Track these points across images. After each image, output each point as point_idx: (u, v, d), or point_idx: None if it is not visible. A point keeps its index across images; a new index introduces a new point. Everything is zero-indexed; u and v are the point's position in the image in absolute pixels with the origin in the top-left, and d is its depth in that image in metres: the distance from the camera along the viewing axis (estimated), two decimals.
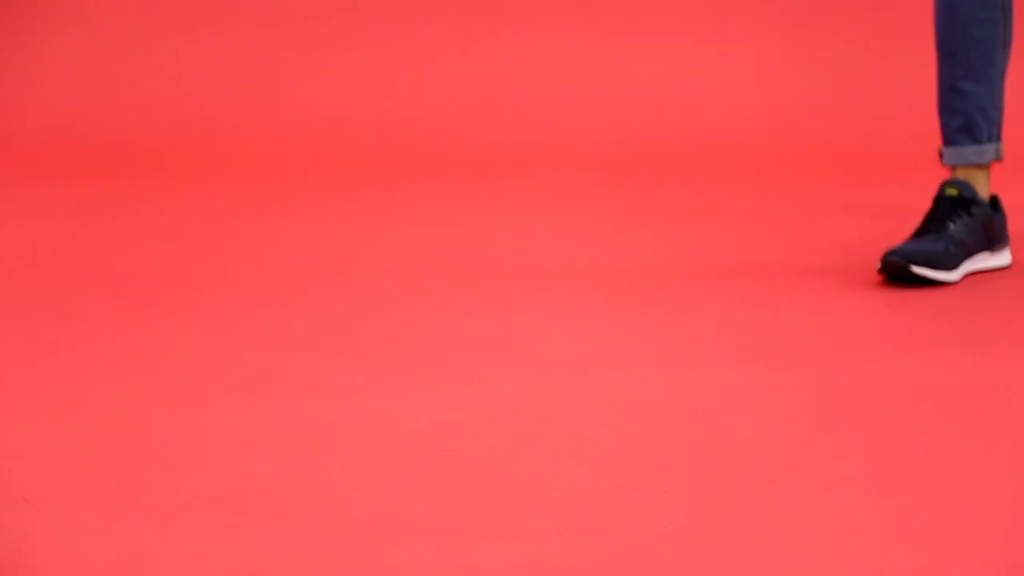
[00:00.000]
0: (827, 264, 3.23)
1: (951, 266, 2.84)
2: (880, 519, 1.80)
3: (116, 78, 4.58)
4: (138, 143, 4.36)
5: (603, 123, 4.51)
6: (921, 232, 2.90)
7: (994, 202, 3.01)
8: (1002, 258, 2.98)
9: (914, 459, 2.01)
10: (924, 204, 3.02)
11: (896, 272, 2.82)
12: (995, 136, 2.98)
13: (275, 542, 1.74)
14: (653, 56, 4.71)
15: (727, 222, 3.64)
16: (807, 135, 4.45)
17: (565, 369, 2.37)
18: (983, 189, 2.98)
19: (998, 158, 3.00)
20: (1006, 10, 2.93)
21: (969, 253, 2.89)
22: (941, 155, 3.00)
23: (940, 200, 2.94)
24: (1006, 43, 2.95)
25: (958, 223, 2.89)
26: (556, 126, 4.55)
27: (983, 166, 2.99)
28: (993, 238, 2.95)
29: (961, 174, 2.98)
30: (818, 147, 4.39)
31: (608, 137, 4.45)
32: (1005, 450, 2.05)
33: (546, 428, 2.13)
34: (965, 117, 2.95)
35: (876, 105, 4.56)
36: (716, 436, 2.10)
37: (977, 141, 2.96)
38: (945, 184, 2.96)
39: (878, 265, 2.85)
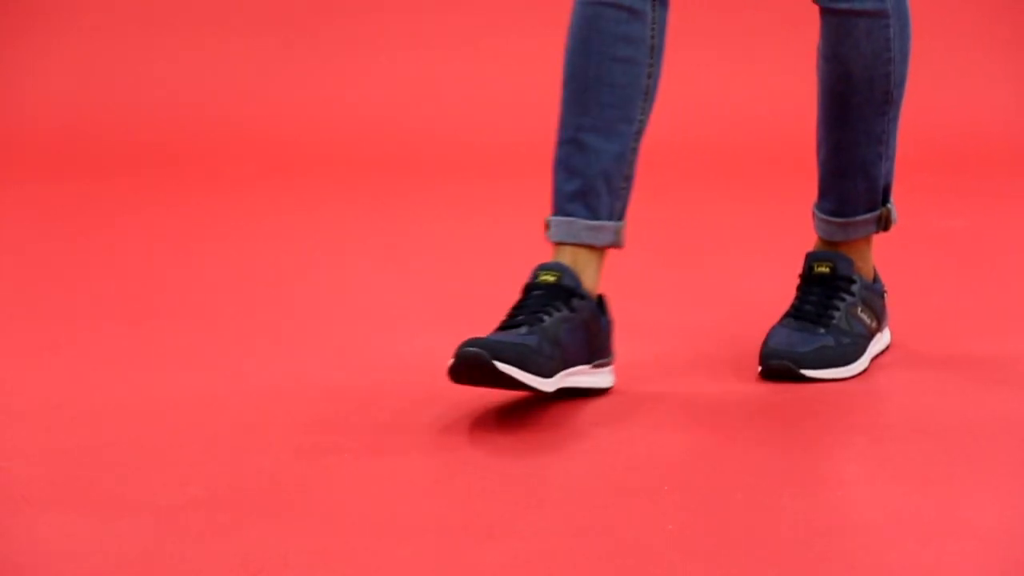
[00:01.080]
0: None
1: (546, 372, 2.09)
2: (880, 519, 1.80)
3: (116, 78, 4.58)
4: (138, 143, 4.36)
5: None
6: (509, 323, 2.14)
7: (601, 302, 2.27)
8: (603, 378, 2.24)
9: (914, 459, 2.01)
10: (924, 204, 3.02)
11: (476, 366, 2.06)
12: (617, 214, 2.25)
13: (275, 542, 1.74)
14: None
15: (727, 222, 3.64)
16: (806, 135, 4.45)
17: None
18: (592, 279, 2.23)
19: (617, 244, 2.26)
20: (655, 52, 2.25)
21: (567, 362, 2.14)
22: (547, 226, 2.25)
23: (532, 287, 2.19)
24: (648, 94, 2.26)
25: (555, 317, 2.14)
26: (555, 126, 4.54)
27: (597, 249, 2.24)
28: (596, 349, 2.22)
29: (568, 255, 2.22)
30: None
31: None
32: (1005, 450, 2.05)
33: (546, 428, 2.12)
34: (584, 181, 2.22)
35: None
36: (716, 436, 2.10)
37: (595, 214, 2.22)
38: (540, 269, 2.20)
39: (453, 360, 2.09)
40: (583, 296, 2.17)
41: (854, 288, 2.39)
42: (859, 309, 2.38)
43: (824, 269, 2.40)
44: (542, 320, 2.12)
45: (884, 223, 2.49)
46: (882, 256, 3.29)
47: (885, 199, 2.51)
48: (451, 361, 2.06)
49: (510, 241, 3.41)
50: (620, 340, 2.53)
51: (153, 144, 4.35)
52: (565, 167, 2.23)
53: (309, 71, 4.58)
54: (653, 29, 2.23)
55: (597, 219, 2.22)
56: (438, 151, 4.31)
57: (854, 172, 2.45)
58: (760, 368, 2.29)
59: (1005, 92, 4.56)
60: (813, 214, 2.49)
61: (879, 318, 2.44)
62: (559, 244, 2.22)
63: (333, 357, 2.50)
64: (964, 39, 4.67)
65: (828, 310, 2.35)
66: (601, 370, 2.23)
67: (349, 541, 1.76)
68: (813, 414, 2.19)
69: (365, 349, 2.54)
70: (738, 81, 4.66)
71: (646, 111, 2.26)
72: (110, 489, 1.89)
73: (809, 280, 2.40)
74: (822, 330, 2.32)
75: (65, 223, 3.66)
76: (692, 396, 2.29)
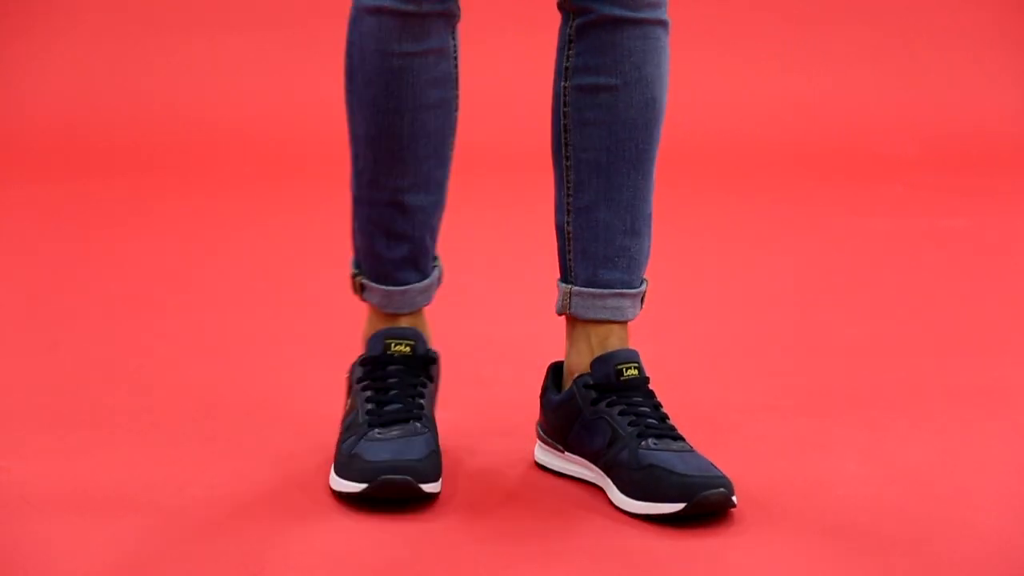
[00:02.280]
0: (827, 263, 3.23)
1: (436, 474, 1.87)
2: (880, 519, 1.80)
3: (116, 78, 4.58)
4: (138, 143, 4.36)
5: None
6: (391, 414, 1.91)
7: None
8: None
9: (914, 459, 2.01)
10: (925, 204, 3.02)
11: (398, 490, 1.83)
12: (436, 265, 2.02)
13: (275, 542, 1.74)
14: None
15: (727, 222, 3.64)
16: (807, 135, 4.45)
17: None
18: (429, 334, 2.03)
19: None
20: (458, 78, 1.97)
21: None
22: (364, 287, 2.01)
23: (386, 360, 1.96)
24: (455, 124, 1.98)
25: (426, 396, 1.96)
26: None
27: (423, 308, 2.03)
28: None
29: (407, 320, 2.00)
30: (818, 146, 4.39)
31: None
32: (1005, 449, 2.06)
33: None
34: (412, 244, 1.97)
35: (877, 105, 4.56)
36: (716, 436, 2.10)
37: (425, 274, 1.99)
38: (388, 337, 1.97)
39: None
40: (435, 359, 1.98)
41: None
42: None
43: (634, 372, 1.94)
44: (421, 406, 1.92)
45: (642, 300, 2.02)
46: (883, 255, 3.30)
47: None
48: (362, 487, 1.82)
49: (510, 239, 3.41)
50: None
51: (153, 144, 4.35)
52: (387, 233, 1.96)
53: (309, 71, 4.58)
54: (455, 58, 1.95)
55: (427, 278, 1.99)
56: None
57: (646, 229, 2.00)
58: (682, 506, 1.79)
59: (1006, 92, 4.56)
60: (570, 295, 1.95)
61: None
62: (396, 315, 1.99)
63: (334, 357, 2.50)
64: (964, 39, 4.67)
65: (668, 419, 1.92)
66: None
67: (349, 540, 1.76)
68: (814, 414, 2.19)
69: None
70: (738, 81, 4.66)
71: (454, 141, 1.99)
72: (110, 489, 1.89)
73: (623, 388, 1.93)
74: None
75: (65, 223, 3.66)
76: (692, 395, 2.29)
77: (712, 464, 1.83)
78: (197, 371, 2.42)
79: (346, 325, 2.71)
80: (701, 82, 4.66)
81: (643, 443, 1.85)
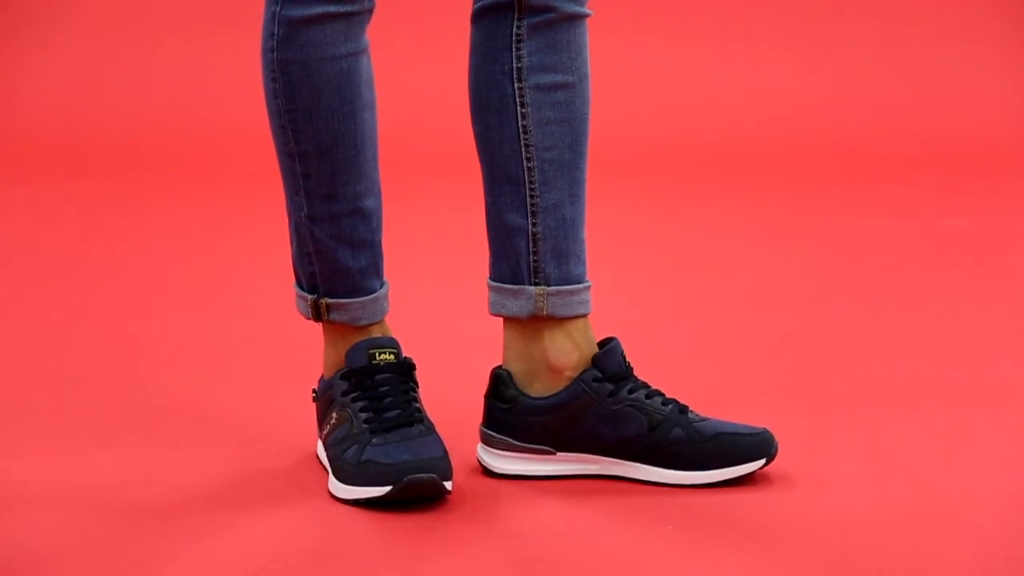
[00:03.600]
0: (827, 263, 3.23)
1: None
2: (880, 519, 1.80)
3: (115, 78, 4.58)
4: (137, 143, 4.36)
5: (603, 123, 4.50)
6: (393, 419, 1.90)
7: None
8: None
9: (914, 459, 2.01)
10: (925, 204, 3.02)
11: (426, 490, 1.84)
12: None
13: (275, 542, 1.74)
14: (653, 56, 4.70)
15: (727, 220, 3.64)
16: (807, 135, 4.45)
17: None
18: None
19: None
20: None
21: None
22: (330, 308, 1.97)
23: (374, 370, 1.94)
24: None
25: (419, 399, 1.96)
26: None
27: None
28: None
29: (378, 329, 1.98)
30: (818, 146, 4.39)
31: (608, 137, 4.45)
32: (1005, 450, 2.05)
33: None
34: (372, 251, 1.99)
35: (877, 105, 4.56)
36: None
37: (383, 280, 2.00)
38: (371, 347, 1.95)
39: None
40: (414, 365, 1.95)
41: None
42: None
43: (389, 356, 1.94)
44: (419, 410, 1.92)
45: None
46: (883, 255, 3.31)
47: None
48: (385, 489, 1.82)
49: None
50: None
51: (153, 144, 4.35)
52: (351, 243, 1.94)
53: None
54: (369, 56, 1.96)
55: (385, 283, 1.98)
56: (438, 150, 4.31)
57: (584, 220, 1.99)
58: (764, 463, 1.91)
59: (1006, 92, 4.56)
60: (545, 295, 1.95)
61: None
62: (367, 326, 1.96)
63: None
64: (964, 39, 4.67)
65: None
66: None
67: (349, 540, 1.76)
68: (814, 414, 2.19)
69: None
70: (738, 81, 4.65)
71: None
72: (110, 489, 1.89)
73: (629, 375, 1.98)
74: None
75: (65, 223, 3.66)
76: (692, 395, 2.29)
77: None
78: (197, 371, 2.42)
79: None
80: (701, 82, 4.65)
81: (690, 417, 1.93)
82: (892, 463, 1.99)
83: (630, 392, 1.92)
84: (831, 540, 1.74)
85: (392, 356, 1.93)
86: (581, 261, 1.96)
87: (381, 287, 1.97)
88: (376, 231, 1.97)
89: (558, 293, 1.94)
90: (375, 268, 1.96)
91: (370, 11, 1.91)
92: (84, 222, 3.67)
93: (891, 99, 4.57)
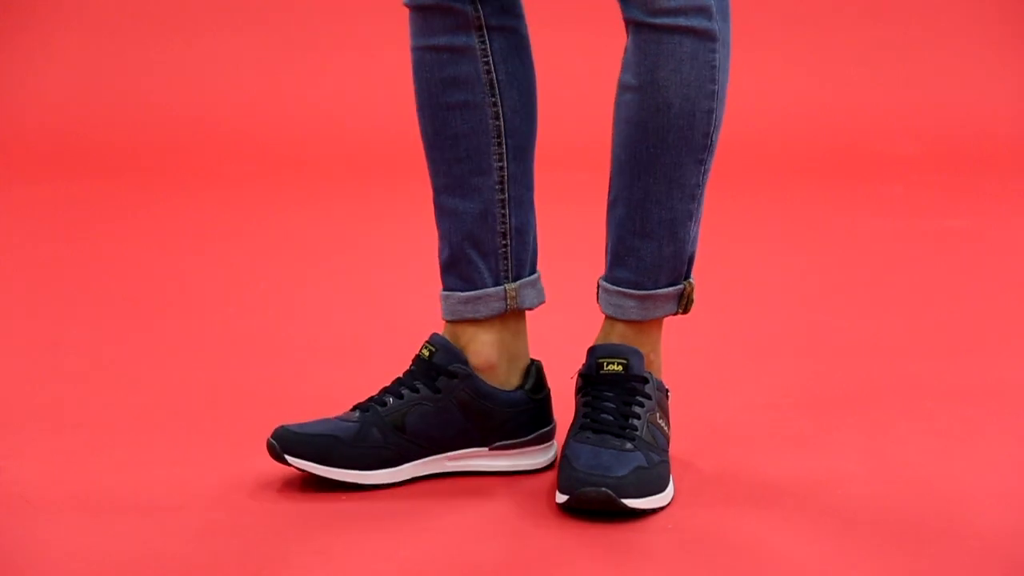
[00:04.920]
0: (827, 263, 3.23)
1: (364, 463, 1.92)
2: (880, 518, 1.80)
3: (115, 78, 4.58)
4: (136, 143, 4.36)
5: (603, 123, 4.50)
6: (359, 404, 1.95)
7: (533, 372, 2.02)
8: (518, 461, 1.99)
9: (914, 459, 2.01)
10: (925, 204, 3.02)
11: (277, 456, 1.89)
12: (504, 277, 1.99)
13: (275, 542, 1.74)
14: None
15: (727, 221, 3.64)
16: (807, 135, 4.45)
17: (565, 369, 2.37)
18: (485, 352, 1.98)
19: (507, 309, 1.99)
20: (500, 87, 1.96)
21: (419, 450, 1.94)
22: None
23: (414, 360, 1.97)
24: (502, 136, 1.96)
25: (404, 400, 1.94)
26: (556, 126, 4.54)
27: (480, 322, 1.98)
28: (494, 429, 1.98)
29: (448, 330, 2.00)
30: (818, 146, 4.39)
31: (608, 137, 4.44)
32: (1005, 450, 2.05)
33: None
34: (451, 249, 1.99)
35: (877, 105, 4.56)
36: (716, 436, 2.10)
37: (471, 284, 1.98)
38: (428, 340, 1.97)
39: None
40: (454, 374, 1.93)
41: (648, 389, 1.92)
42: (657, 415, 1.92)
43: (616, 367, 1.91)
44: (383, 403, 1.92)
45: (686, 303, 1.98)
46: (883, 255, 3.31)
47: (688, 272, 2.00)
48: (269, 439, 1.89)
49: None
50: None
51: (152, 143, 4.35)
52: (439, 233, 2.00)
53: (309, 71, 4.58)
54: (488, 63, 1.95)
55: (474, 289, 1.97)
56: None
57: (661, 232, 1.94)
58: (565, 498, 1.80)
59: (1006, 92, 4.56)
60: (599, 287, 1.98)
61: (669, 423, 1.96)
62: (450, 321, 1.99)
63: (334, 356, 2.50)
64: (964, 39, 4.67)
65: (628, 419, 1.89)
66: (515, 452, 1.97)
67: (348, 541, 1.76)
68: (814, 414, 2.19)
69: (366, 348, 2.54)
70: (738, 81, 4.66)
71: (506, 155, 1.97)
72: (110, 489, 1.90)
73: (598, 381, 1.92)
74: (629, 445, 1.86)
75: (65, 223, 3.66)
76: (692, 395, 2.29)
77: (615, 462, 1.82)
78: (197, 371, 2.42)
79: (346, 324, 2.71)
80: None
81: (577, 435, 1.87)
82: (892, 463, 1.99)
83: (583, 395, 1.94)
84: (831, 539, 1.74)
85: (427, 353, 1.96)
86: (626, 266, 1.96)
87: (464, 290, 2.00)
88: (455, 232, 1.99)
89: (604, 288, 1.98)
90: (454, 268, 2.00)
91: (448, 11, 1.94)
92: (84, 222, 3.67)
93: (891, 99, 4.57)
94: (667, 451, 1.90)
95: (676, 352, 2.54)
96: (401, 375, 1.96)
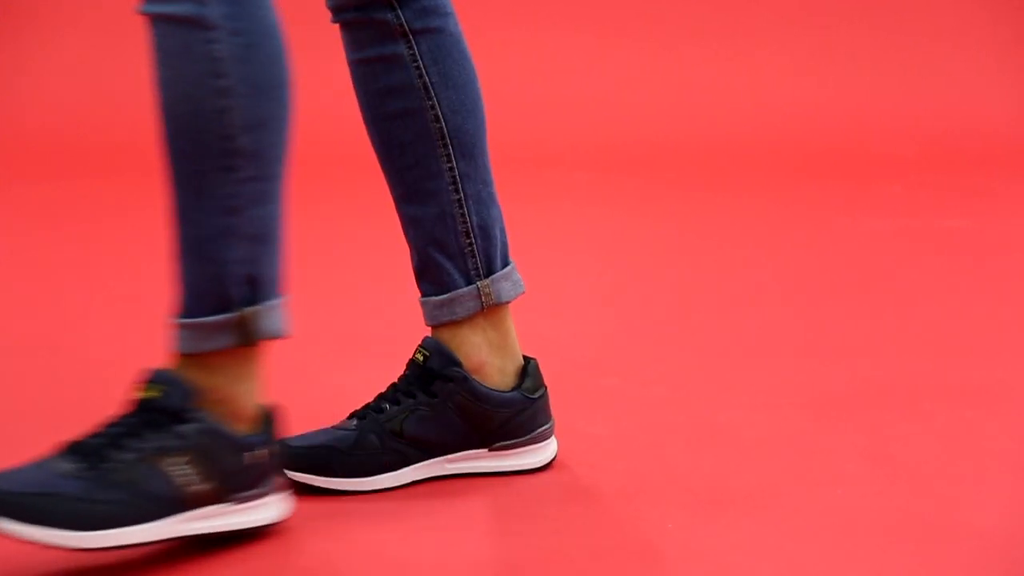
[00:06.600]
0: (827, 263, 3.23)
1: (365, 470, 1.91)
2: (880, 519, 1.80)
3: (115, 78, 4.58)
4: (137, 143, 4.36)
5: (603, 123, 4.51)
6: (357, 412, 1.96)
7: (527, 370, 1.99)
8: (514, 461, 1.98)
9: (914, 459, 2.01)
10: (925, 204, 3.02)
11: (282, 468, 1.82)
12: (475, 275, 1.95)
13: (275, 542, 1.74)
14: (653, 56, 4.71)
15: (727, 221, 3.64)
16: (807, 135, 4.45)
17: (565, 369, 2.37)
18: (476, 352, 1.96)
19: (484, 306, 1.95)
20: (433, 88, 1.92)
21: (420, 452, 1.93)
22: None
23: (408, 365, 1.97)
24: (446, 138, 1.93)
25: (401, 406, 1.93)
26: (556, 126, 4.55)
27: (460, 321, 1.95)
28: (492, 431, 1.96)
29: (436, 334, 1.97)
30: (818, 146, 4.39)
31: (608, 137, 4.45)
32: (1005, 450, 2.06)
33: None
34: (419, 256, 1.96)
35: (877, 105, 4.56)
36: (716, 436, 2.10)
37: (442, 288, 1.95)
38: (419, 347, 1.96)
39: None
40: (450, 378, 1.91)
41: (180, 428, 1.71)
42: (173, 459, 1.69)
43: (153, 393, 1.73)
44: (380, 410, 1.92)
45: (243, 333, 1.75)
46: (883, 255, 3.31)
47: (250, 299, 1.75)
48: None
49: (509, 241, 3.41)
50: (620, 340, 2.54)
51: (153, 144, 4.35)
52: (407, 242, 1.98)
53: (308, 70, 4.58)
54: (419, 68, 1.91)
55: (447, 291, 1.94)
56: None
57: (193, 252, 1.75)
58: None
59: (1006, 92, 4.57)
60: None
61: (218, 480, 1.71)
62: (433, 327, 1.97)
63: (333, 356, 2.50)
64: (964, 39, 4.67)
65: (117, 448, 1.70)
66: (515, 451, 1.96)
67: (348, 540, 1.76)
68: (814, 414, 2.19)
69: (366, 348, 2.54)
70: (738, 81, 4.66)
71: (454, 156, 1.93)
72: None
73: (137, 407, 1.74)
74: (81, 468, 1.67)
75: (65, 223, 3.66)
76: (692, 395, 2.29)
77: (26, 476, 1.68)
78: None
79: (347, 324, 2.71)
80: (700, 82, 4.66)
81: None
82: (892, 463, 1.99)
83: None
84: (831, 540, 1.74)
85: (420, 358, 1.96)
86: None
87: (436, 294, 1.97)
88: (419, 238, 1.97)
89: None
90: (425, 275, 1.97)
91: (370, 23, 1.93)
92: (84, 222, 3.67)
93: (891, 99, 4.57)
94: (159, 500, 1.67)
95: (676, 352, 2.54)
96: (396, 380, 1.95)
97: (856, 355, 2.50)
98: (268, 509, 1.74)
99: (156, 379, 1.72)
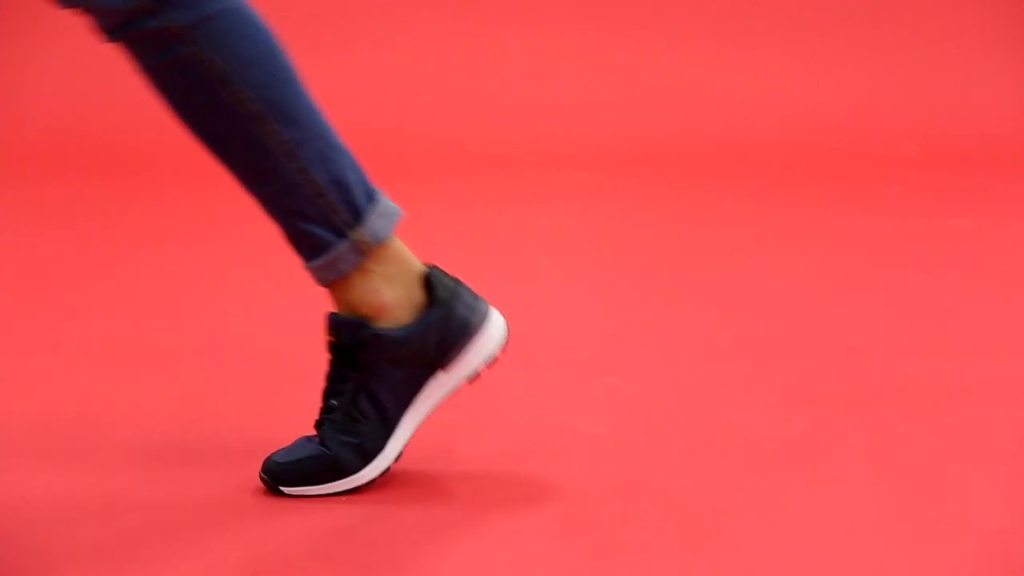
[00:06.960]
0: (827, 263, 3.23)
1: (356, 464, 1.91)
2: (880, 519, 1.80)
3: (115, 78, 4.58)
4: (137, 143, 4.36)
5: (603, 123, 4.51)
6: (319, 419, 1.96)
7: (430, 283, 1.96)
8: (469, 361, 1.96)
9: (914, 459, 2.01)
10: (925, 204, 3.02)
11: (272, 490, 1.90)
12: (341, 229, 1.92)
13: (275, 542, 1.74)
14: (653, 56, 4.71)
15: (727, 221, 3.64)
16: (807, 135, 4.45)
17: (566, 369, 2.37)
18: (380, 294, 1.93)
19: (365, 253, 1.91)
20: (230, 77, 1.91)
21: (397, 417, 1.93)
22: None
23: (328, 348, 1.97)
24: (258, 116, 1.93)
25: (347, 391, 1.93)
26: (556, 126, 4.55)
27: (351, 274, 1.93)
28: (433, 357, 1.95)
29: (334, 298, 1.96)
30: (818, 146, 4.39)
31: (608, 137, 4.45)
32: (1005, 450, 2.06)
33: (546, 428, 2.13)
34: (286, 228, 1.96)
35: (877, 105, 4.56)
36: (716, 436, 2.10)
37: (317, 252, 1.92)
38: (326, 330, 1.97)
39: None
40: (364, 343, 1.90)
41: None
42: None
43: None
44: (331, 409, 1.92)
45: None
46: (883, 255, 3.31)
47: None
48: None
49: (509, 241, 3.41)
50: (620, 340, 2.54)
51: (153, 144, 4.35)
52: (271, 220, 1.97)
53: (308, 71, 4.58)
54: (205, 60, 1.90)
55: (325, 253, 1.90)
56: (437, 150, 4.31)
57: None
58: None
59: (1006, 92, 4.57)
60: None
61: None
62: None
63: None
64: (964, 39, 4.67)
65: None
66: (463, 356, 1.93)
67: (348, 540, 1.76)
68: (814, 414, 2.19)
69: None
70: (738, 81, 4.66)
71: (280, 129, 1.90)
72: (110, 489, 1.90)
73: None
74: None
75: (65, 223, 3.66)
76: (692, 395, 2.29)
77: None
78: (197, 370, 2.42)
79: None
80: (700, 82, 4.66)
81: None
82: (892, 463, 1.99)
83: None
84: (831, 540, 1.74)
85: (333, 339, 1.93)
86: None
87: (314, 259, 1.93)
88: (282, 213, 1.95)
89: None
90: (296, 244, 1.94)
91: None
92: (84, 222, 3.67)
93: (891, 99, 4.57)
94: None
95: (676, 352, 2.54)
96: (327, 372, 1.94)
97: (856, 355, 2.50)
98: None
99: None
